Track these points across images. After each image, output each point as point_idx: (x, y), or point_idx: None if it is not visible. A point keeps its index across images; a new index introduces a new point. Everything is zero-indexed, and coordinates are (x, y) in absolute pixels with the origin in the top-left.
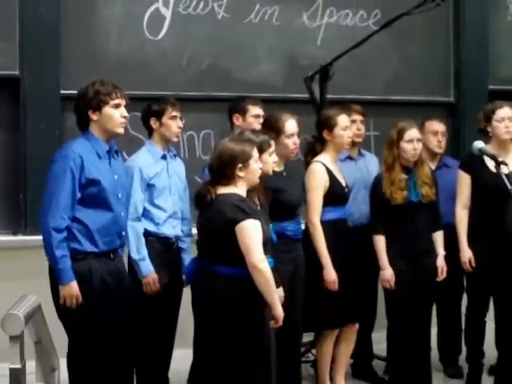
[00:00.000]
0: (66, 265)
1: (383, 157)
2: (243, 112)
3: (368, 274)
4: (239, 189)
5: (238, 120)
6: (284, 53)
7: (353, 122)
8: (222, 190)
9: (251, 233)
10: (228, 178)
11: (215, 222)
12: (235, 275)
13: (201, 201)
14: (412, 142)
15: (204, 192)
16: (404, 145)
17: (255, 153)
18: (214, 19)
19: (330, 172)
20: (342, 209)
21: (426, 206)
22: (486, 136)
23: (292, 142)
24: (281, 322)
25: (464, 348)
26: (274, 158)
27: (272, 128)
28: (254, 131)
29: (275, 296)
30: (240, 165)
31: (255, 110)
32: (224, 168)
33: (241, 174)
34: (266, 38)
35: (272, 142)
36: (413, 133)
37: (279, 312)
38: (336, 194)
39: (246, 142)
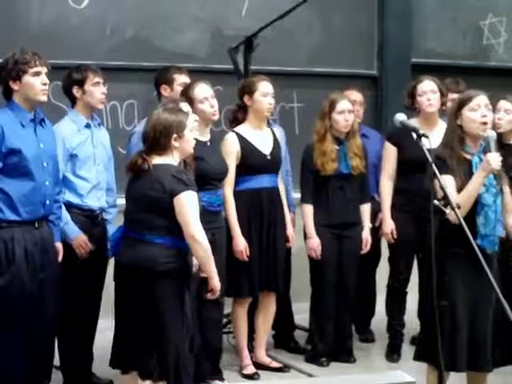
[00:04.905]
0: None
1: (315, 128)
2: (170, 82)
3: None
4: (174, 159)
5: (165, 91)
6: (208, 23)
7: None
8: (157, 161)
9: (191, 204)
10: (163, 148)
11: (152, 192)
12: (167, 245)
13: (135, 170)
14: (343, 113)
15: (139, 161)
16: (336, 116)
17: (189, 122)
18: None
19: (244, 141)
20: (262, 178)
21: (355, 177)
22: (414, 112)
23: (209, 105)
24: (217, 294)
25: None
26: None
27: (185, 97)
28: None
29: (213, 268)
30: (175, 135)
31: (181, 78)
32: (159, 138)
33: (176, 143)
34: (190, 8)
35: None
36: (344, 104)
37: (215, 283)
38: (252, 163)
39: (180, 112)
